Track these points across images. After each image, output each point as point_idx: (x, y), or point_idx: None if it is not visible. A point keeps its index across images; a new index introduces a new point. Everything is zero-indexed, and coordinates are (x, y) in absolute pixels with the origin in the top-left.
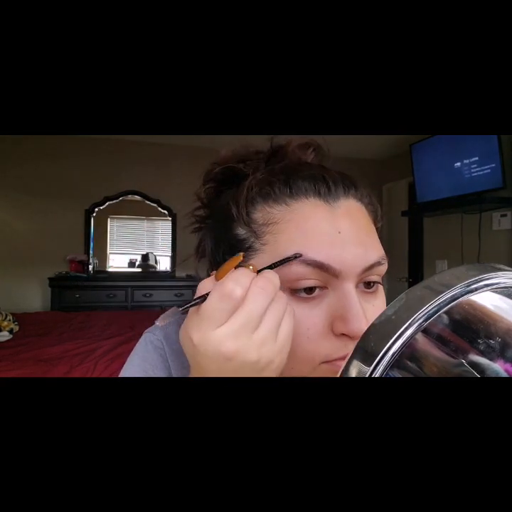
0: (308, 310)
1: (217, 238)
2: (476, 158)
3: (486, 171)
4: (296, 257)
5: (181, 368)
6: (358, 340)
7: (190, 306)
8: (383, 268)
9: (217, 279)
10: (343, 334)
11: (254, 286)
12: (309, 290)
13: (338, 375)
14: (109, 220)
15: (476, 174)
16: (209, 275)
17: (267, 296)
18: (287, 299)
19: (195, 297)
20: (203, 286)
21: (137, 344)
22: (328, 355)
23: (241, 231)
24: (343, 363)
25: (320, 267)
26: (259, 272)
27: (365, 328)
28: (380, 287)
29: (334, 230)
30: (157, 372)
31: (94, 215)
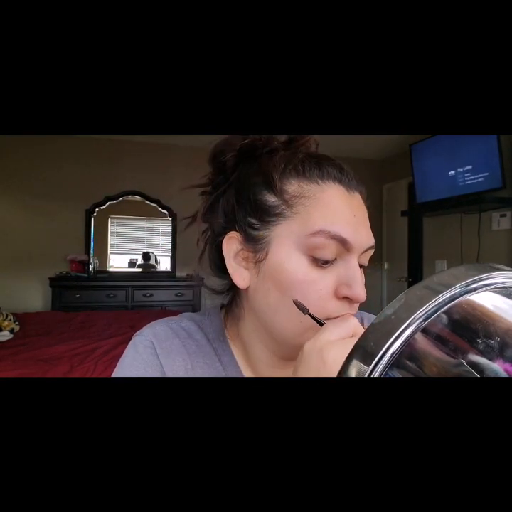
0: (323, 274)
1: (240, 201)
2: (470, 167)
3: (479, 180)
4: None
5: (172, 364)
6: (358, 339)
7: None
8: (372, 252)
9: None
10: (345, 297)
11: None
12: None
13: (337, 375)
14: (109, 220)
15: (469, 182)
16: (216, 238)
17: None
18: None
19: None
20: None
21: (127, 347)
22: (330, 314)
23: (271, 198)
24: (343, 363)
25: (341, 240)
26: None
27: (364, 295)
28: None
29: (351, 214)
30: (148, 370)
31: (94, 215)
